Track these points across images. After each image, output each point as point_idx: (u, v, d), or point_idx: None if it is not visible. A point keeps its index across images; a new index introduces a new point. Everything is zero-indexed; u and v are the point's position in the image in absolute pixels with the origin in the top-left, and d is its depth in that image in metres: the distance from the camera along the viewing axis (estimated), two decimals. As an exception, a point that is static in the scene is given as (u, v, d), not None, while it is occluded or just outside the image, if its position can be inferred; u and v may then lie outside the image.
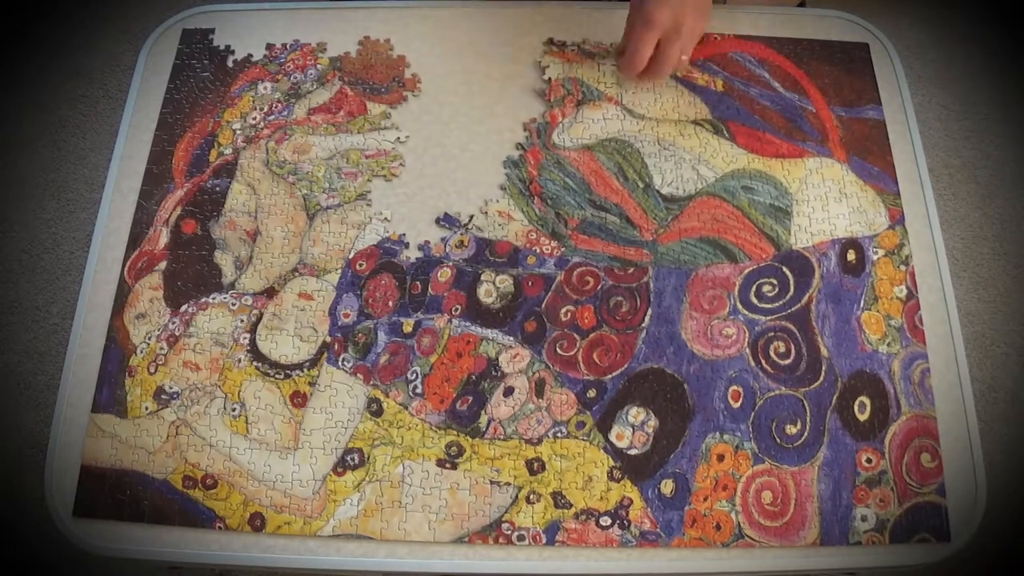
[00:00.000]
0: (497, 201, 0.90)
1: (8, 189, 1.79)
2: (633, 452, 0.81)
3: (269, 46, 0.99)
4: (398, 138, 0.94)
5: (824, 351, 0.84)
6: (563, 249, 0.88)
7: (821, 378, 0.84)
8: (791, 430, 0.82)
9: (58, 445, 0.81)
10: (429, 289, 0.87)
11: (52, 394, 1.58)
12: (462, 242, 0.89)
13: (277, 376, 0.83)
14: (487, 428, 0.81)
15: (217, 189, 0.91)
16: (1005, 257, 1.75)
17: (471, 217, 0.90)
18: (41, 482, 0.80)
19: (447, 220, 0.89)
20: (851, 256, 0.88)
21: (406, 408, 0.82)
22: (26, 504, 1.52)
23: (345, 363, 0.84)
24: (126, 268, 0.88)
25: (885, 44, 1.00)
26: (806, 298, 0.87)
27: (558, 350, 0.84)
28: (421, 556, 0.78)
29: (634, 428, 0.82)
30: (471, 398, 0.82)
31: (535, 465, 0.80)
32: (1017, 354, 1.67)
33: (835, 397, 0.83)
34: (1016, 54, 1.94)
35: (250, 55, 0.98)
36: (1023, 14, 1.97)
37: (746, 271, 0.88)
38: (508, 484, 0.80)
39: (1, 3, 1.94)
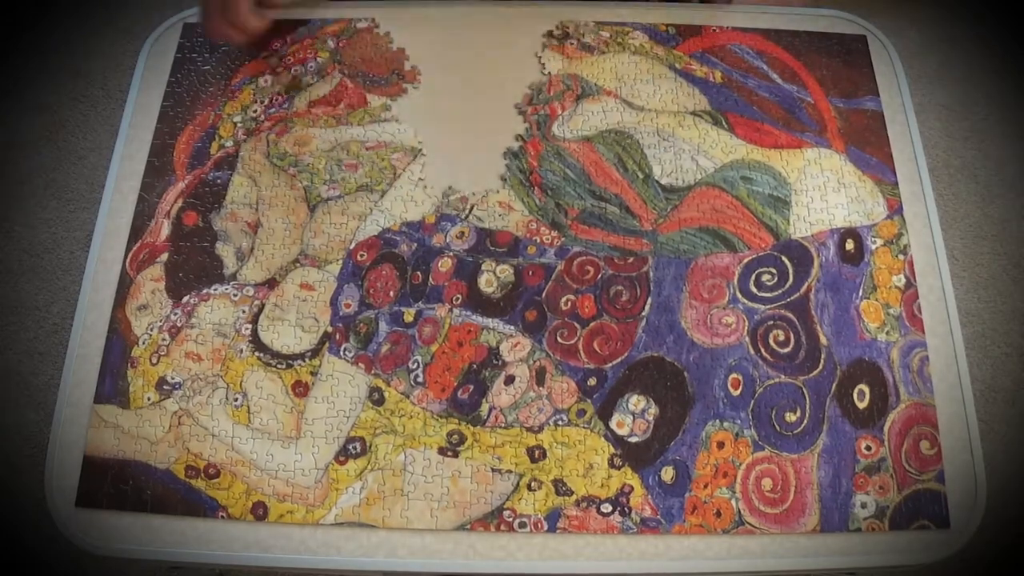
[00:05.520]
0: (497, 191, 0.91)
1: (8, 189, 1.79)
2: (634, 440, 0.81)
3: (269, 40, 0.99)
4: (398, 130, 0.94)
5: (823, 339, 0.85)
6: (563, 239, 0.89)
7: (820, 366, 0.84)
8: (791, 418, 0.82)
9: (59, 438, 0.81)
10: (430, 279, 0.87)
11: (52, 394, 1.58)
12: (462, 232, 0.89)
13: (279, 366, 0.84)
14: (488, 416, 0.82)
15: (218, 181, 0.92)
16: (1005, 257, 1.75)
17: (471, 208, 0.90)
18: (41, 483, 0.80)
19: (445, 218, 0.90)
20: (850, 245, 0.89)
21: (408, 397, 0.82)
22: (26, 504, 1.52)
23: (347, 353, 0.84)
24: (128, 260, 0.88)
25: (884, 43, 1.00)
26: (805, 287, 0.87)
27: (559, 339, 0.84)
28: (421, 555, 0.78)
29: (634, 416, 0.82)
30: (472, 387, 0.83)
31: (536, 453, 0.80)
32: (1017, 354, 1.67)
33: (834, 385, 0.83)
34: (1016, 54, 1.95)
35: (251, 49, 0.99)
36: (1023, 14, 1.98)
37: (745, 260, 0.88)
38: (509, 472, 0.80)
39: (1, 3, 1.95)
